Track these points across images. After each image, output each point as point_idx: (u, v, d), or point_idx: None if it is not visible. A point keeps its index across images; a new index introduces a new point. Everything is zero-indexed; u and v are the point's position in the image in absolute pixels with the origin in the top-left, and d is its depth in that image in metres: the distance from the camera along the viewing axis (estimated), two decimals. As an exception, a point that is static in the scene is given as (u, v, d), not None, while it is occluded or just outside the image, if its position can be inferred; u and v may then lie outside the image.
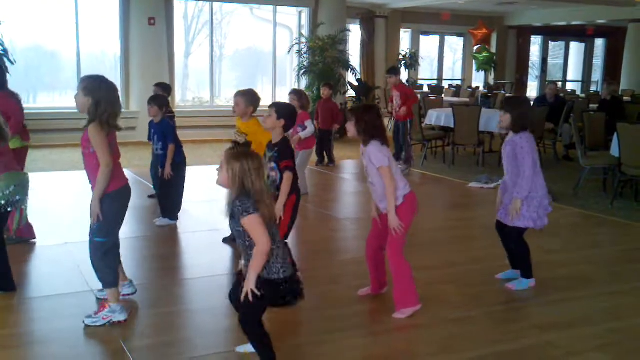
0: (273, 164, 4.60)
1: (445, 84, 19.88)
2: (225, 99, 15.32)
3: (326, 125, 10.13)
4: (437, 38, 20.86)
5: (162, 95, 6.78)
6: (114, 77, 13.10)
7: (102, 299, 4.19)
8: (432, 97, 14.39)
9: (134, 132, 11.68)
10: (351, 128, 4.17)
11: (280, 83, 15.03)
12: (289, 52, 14.35)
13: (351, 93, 15.01)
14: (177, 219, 6.38)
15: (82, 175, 5.07)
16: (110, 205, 3.91)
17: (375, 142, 4.13)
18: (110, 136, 3.91)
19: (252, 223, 3.11)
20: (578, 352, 3.79)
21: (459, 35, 20.94)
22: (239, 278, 3.38)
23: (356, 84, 14.83)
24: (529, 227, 4.70)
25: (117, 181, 3.96)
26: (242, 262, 3.32)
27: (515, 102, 4.83)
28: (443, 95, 16.50)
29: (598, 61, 24.34)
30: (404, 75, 18.76)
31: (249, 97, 5.43)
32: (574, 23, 20.35)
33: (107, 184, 3.86)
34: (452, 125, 10.41)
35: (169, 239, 6.04)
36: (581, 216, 7.28)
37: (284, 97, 14.80)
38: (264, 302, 3.22)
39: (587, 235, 6.61)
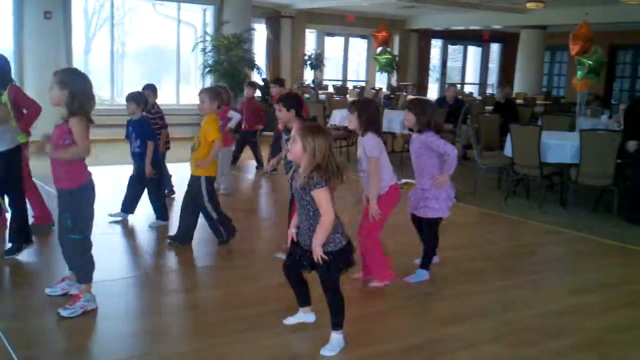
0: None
1: (350, 85, 20.20)
2: (128, 97, 14.92)
3: (250, 126, 9.49)
4: (342, 39, 21.16)
5: (137, 92, 6.67)
6: (7, 72, 12.46)
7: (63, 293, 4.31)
8: (337, 98, 14.60)
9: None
10: (353, 120, 4.55)
11: (185, 81, 14.81)
12: (193, 50, 14.14)
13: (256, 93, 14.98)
14: (168, 218, 6.44)
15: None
16: (83, 199, 4.01)
17: (372, 134, 4.54)
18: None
19: (323, 196, 3.43)
20: (475, 344, 3.96)
21: (362, 37, 21.32)
22: (293, 251, 3.74)
23: (262, 83, 14.82)
24: (440, 217, 5.02)
25: (87, 174, 4.07)
26: (293, 230, 3.71)
27: (420, 104, 5.00)
28: (347, 96, 16.75)
29: (494, 65, 25.44)
30: (310, 75, 18.93)
31: (211, 93, 5.60)
32: (471, 28, 21.18)
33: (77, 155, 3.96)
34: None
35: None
36: (478, 213, 7.59)
37: (188, 95, 14.61)
38: (338, 272, 3.63)
39: (484, 232, 6.91)
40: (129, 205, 6.49)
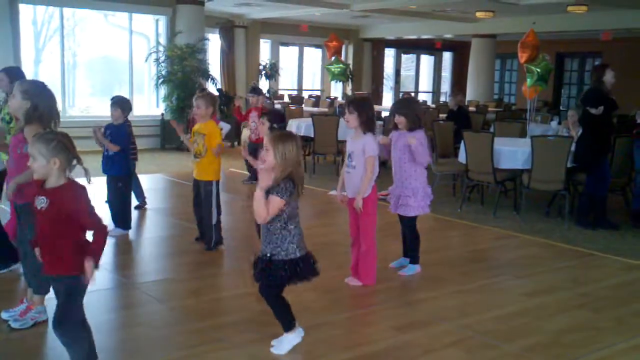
0: None
1: (306, 94, 20.24)
2: (80, 109, 14.65)
3: None
4: (296, 49, 21.21)
5: (124, 97, 6.70)
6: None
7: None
8: (293, 107, 14.61)
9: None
10: (353, 119, 4.76)
11: (138, 92, 14.61)
12: (146, 60, 13.99)
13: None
14: (130, 228, 6.48)
15: None
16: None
17: (371, 133, 4.81)
18: None
19: (275, 205, 3.49)
20: (434, 349, 4.00)
21: (317, 46, 21.40)
22: (255, 262, 3.75)
23: (216, 93, 14.73)
24: (419, 215, 5.33)
25: None
26: (262, 246, 3.70)
27: (407, 105, 5.46)
28: (303, 105, 16.79)
29: (446, 73, 25.83)
30: (265, 85, 18.90)
31: (208, 99, 5.79)
32: (423, 37, 21.48)
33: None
34: (312, 135, 10.62)
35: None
36: (434, 220, 7.67)
37: (141, 106, 14.43)
38: (282, 281, 3.67)
39: (439, 238, 6.98)
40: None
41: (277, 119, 5.44)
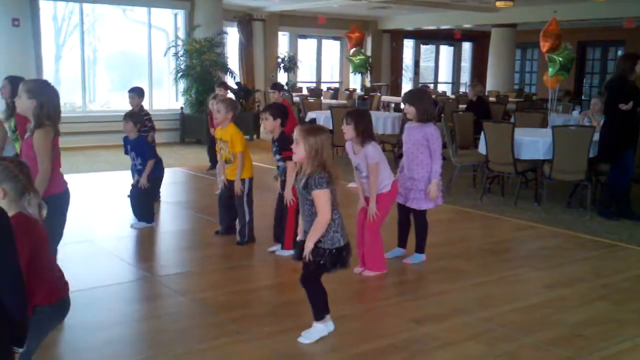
0: (278, 156, 5.44)
1: (324, 87, 20.20)
2: (100, 104, 14.77)
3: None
4: (314, 41, 21.17)
5: (135, 111, 6.87)
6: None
7: None
8: (311, 100, 14.59)
9: None
10: (350, 131, 4.79)
11: (157, 86, 14.69)
12: (165, 54, 14.05)
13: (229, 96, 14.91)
14: (154, 221, 6.60)
15: None
16: (54, 209, 3.73)
17: (373, 142, 4.85)
18: (54, 141, 3.91)
19: (322, 197, 3.54)
20: (453, 342, 3.98)
21: (335, 38, 21.35)
22: (301, 246, 3.72)
23: (235, 87, 14.76)
24: (430, 208, 5.36)
25: (56, 187, 3.93)
26: (303, 230, 3.76)
27: (418, 96, 5.40)
28: (322, 98, 16.76)
29: (466, 64, 25.61)
30: (283, 77, 18.91)
31: (228, 104, 5.80)
32: (442, 27, 21.31)
33: (45, 189, 3.76)
34: (330, 127, 10.60)
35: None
36: (454, 211, 7.63)
37: (161, 100, 14.51)
38: (323, 269, 3.68)
39: (460, 229, 6.94)
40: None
41: (280, 112, 5.43)
